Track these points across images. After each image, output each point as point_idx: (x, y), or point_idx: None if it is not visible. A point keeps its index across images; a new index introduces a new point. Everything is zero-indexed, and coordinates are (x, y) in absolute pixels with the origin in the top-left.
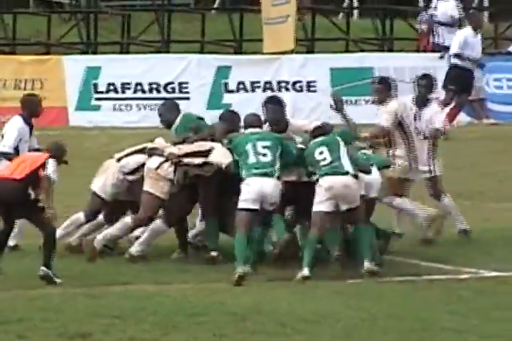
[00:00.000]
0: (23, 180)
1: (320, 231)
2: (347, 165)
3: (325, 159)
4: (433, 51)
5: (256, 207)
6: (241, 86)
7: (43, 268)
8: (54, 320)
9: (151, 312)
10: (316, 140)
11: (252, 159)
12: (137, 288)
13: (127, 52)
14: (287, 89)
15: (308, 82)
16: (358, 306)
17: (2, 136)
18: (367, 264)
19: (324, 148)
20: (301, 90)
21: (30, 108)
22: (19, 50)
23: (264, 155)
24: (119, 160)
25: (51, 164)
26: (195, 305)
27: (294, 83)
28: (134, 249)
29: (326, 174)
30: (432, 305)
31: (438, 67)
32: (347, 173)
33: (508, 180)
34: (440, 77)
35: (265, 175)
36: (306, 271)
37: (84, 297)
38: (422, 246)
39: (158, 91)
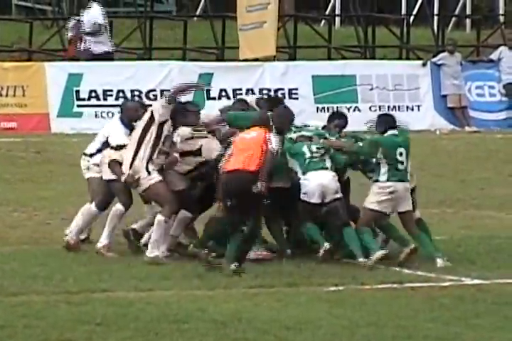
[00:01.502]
0: (255, 173)
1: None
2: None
3: (403, 163)
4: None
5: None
6: (223, 93)
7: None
8: (36, 327)
9: (133, 319)
10: (395, 138)
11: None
12: (119, 295)
13: (110, 59)
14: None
15: (290, 90)
16: (340, 313)
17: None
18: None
19: (403, 150)
20: (283, 97)
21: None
22: (1, 56)
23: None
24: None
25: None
26: (177, 312)
27: (276, 90)
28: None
29: (396, 180)
30: (414, 313)
31: (420, 74)
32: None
33: (489, 187)
34: (423, 85)
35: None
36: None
37: (66, 304)
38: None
39: (140, 99)
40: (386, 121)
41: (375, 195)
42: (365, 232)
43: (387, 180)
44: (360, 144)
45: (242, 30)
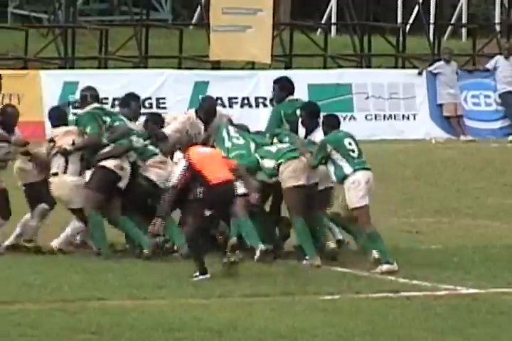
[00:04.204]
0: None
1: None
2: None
3: (354, 151)
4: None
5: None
6: (219, 101)
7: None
8: (31, 336)
9: (128, 327)
10: (337, 132)
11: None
12: (114, 304)
13: (105, 68)
14: (265, 105)
15: None
16: (335, 322)
17: None
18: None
19: (351, 140)
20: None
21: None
22: None
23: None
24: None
25: None
26: (171, 320)
27: (272, 99)
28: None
29: (361, 168)
30: (409, 322)
31: (416, 83)
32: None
33: (485, 196)
34: (419, 94)
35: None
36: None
37: (61, 312)
38: (400, 263)
39: None
40: (329, 122)
41: (353, 190)
42: (377, 238)
43: (355, 171)
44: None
45: (215, 31)
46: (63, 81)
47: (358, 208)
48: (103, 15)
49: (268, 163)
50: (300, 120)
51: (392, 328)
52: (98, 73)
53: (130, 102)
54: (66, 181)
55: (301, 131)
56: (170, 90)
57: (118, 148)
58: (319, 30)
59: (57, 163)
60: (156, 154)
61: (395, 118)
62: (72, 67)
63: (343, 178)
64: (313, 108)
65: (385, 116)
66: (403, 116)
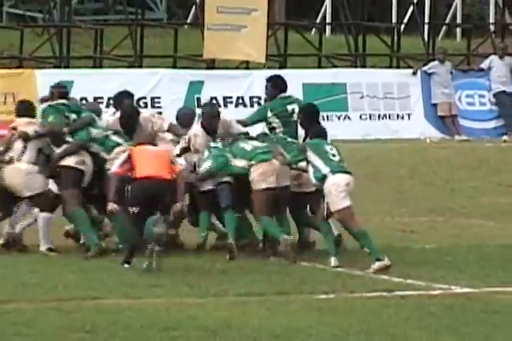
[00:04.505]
0: (172, 180)
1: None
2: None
3: (334, 155)
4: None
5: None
6: (213, 101)
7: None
8: (26, 335)
9: (123, 326)
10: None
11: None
12: (109, 303)
13: (100, 67)
14: (260, 104)
15: None
16: (330, 321)
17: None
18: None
19: (333, 147)
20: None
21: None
22: None
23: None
24: None
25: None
26: (167, 319)
27: (267, 99)
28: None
29: (339, 171)
30: (403, 321)
31: (411, 83)
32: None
33: (479, 196)
34: (413, 93)
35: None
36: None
37: (57, 311)
38: (394, 262)
39: None
40: (317, 131)
41: (334, 192)
42: (365, 237)
43: (334, 172)
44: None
45: (210, 30)
46: (58, 80)
47: (341, 210)
48: (98, 15)
49: (239, 162)
50: (299, 122)
51: (387, 327)
52: (93, 72)
53: (123, 100)
54: (19, 169)
55: (301, 132)
56: (165, 89)
57: (72, 145)
58: (314, 29)
59: (15, 150)
60: (120, 144)
61: (389, 117)
62: (67, 67)
63: (321, 179)
64: (312, 109)
65: (379, 115)
66: (398, 115)
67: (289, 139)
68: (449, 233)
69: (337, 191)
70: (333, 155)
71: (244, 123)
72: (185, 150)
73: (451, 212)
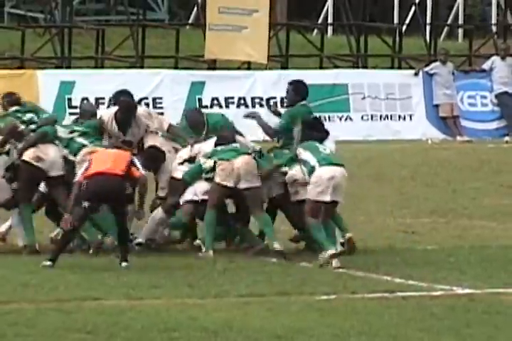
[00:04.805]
0: (124, 176)
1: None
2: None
3: (325, 149)
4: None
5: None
6: (215, 102)
7: (124, 263)
8: (26, 335)
9: (124, 327)
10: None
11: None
12: (110, 304)
13: (101, 67)
14: (261, 105)
15: (283, 98)
16: (331, 322)
17: None
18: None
19: (325, 147)
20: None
21: None
22: None
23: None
24: None
25: (138, 162)
26: (167, 320)
27: (268, 99)
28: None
29: (328, 163)
30: (405, 322)
31: (412, 84)
32: (343, 164)
33: (481, 197)
34: (415, 94)
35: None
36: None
37: (57, 312)
38: (396, 263)
39: None
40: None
41: (313, 185)
42: (318, 228)
43: (320, 165)
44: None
45: (212, 30)
46: (60, 81)
47: (312, 201)
48: (99, 15)
49: (209, 163)
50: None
51: (388, 328)
52: (94, 73)
53: (121, 104)
54: None
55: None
56: (166, 90)
57: (31, 137)
58: (316, 30)
59: None
60: (86, 146)
61: (391, 118)
62: (68, 67)
63: (311, 172)
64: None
65: (381, 116)
66: (399, 116)
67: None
68: (450, 234)
69: (316, 184)
70: (324, 149)
71: (272, 136)
72: (190, 159)
73: (453, 213)
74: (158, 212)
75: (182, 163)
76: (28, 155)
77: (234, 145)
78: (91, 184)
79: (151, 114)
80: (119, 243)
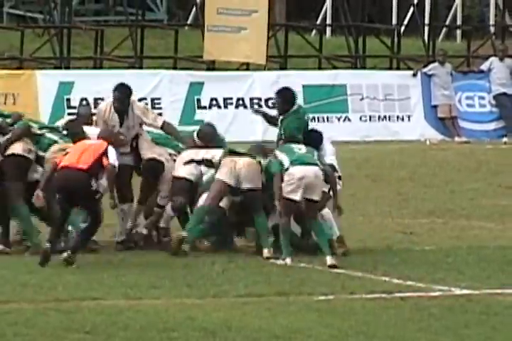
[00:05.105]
0: (88, 170)
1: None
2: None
3: (300, 149)
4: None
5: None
6: (214, 102)
7: (68, 252)
8: (25, 335)
9: (123, 327)
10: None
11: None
12: (109, 304)
13: (100, 68)
14: (260, 106)
15: None
16: (329, 323)
17: None
18: (328, 258)
19: (302, 146)
20: (274, 107)
21: None
22: None
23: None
24: None
25: (113, 152)
26: (166, 320)
27: (267, 100)
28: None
29: (300, 163)
30: (403, 323)
31: (411, 84)
32: (317, 164)
33: (479, 198)
34: (413, 95)
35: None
36: (288, 261)
37: (56, 312)
38: (394, 264)
39: None
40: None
41: (285, 183)
42: (285, 232)
43: (292, 164)
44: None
45: (210, 31)
46: (59, 81)
47: (286, 199)
48: (98, 16)
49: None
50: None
51: (386, 329)
52: (93, 73)
53: (116, 91)
54: None
55: None
56: (165, 90)
57: (15, 130)
58: (314, 31)
59: None
60: (56, 142)
61: (389, 119)
62: (67, 67)
63: (280, 171)
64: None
65: (379, 117)
66: (398, 117)
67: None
68: (448, 235)
69: (288, 183)
70: (299, 149)
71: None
72: (202, 161)
73: (451, 213)
74: (167, 210)
75: (188, 163)
76: (19, 149)
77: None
78: (57, 177)
79: (147, 109)
80: (79, 233)
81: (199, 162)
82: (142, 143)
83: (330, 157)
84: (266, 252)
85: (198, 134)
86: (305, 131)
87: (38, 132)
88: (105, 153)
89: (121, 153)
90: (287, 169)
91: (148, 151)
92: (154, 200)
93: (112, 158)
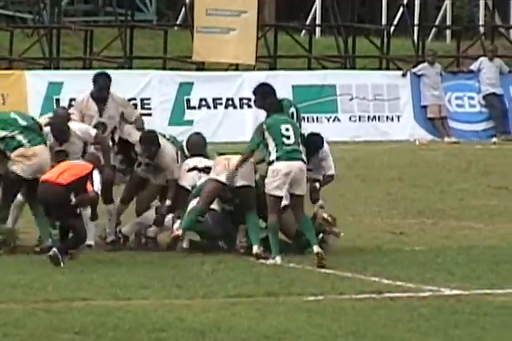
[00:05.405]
0: (67, 186)
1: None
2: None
3: (289, 138)
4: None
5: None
6: (203, 102)
7: (55, 249)
8: (15, 335)
9: (112, 327)
10: (278, 116)
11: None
12: (98, 304)
13: (90, 68)
14: (249, 106)
15: None
16: (319, 323)
17: None
18: (315, 248)
19: (290, 127)
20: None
21: None
22: None
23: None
24: None
25: (97, 178)
26: (155, 320)
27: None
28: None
29: (287, 158)
30: (393, 323)
31: (400, 85)
32: (302, 159)
33: (468, 198)
34: (403, 95)
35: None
36: (278, 259)
37: (45, 312)
38: (384, 264)
39: None
40: (272, 105)
41: (271, 179)
42: (273, 232)
43: (278, 159)
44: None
45: (199, 33)
46: (48, 81)
47: (271, 195)
48: (88, 16)
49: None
50: (256, 104)
51: (376, 329)
52: (83, 74)
53: (98, 79)
54: None
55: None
56: (154, 91)
57: None
58: (304, 31)
59: None
60: (23, 145)
61: (379, 119)
62: (56, 68)
63: (269, 163)
64: (264, 88)
65: (369, 117)
66: (387, 117)
67: None
68: (438, 235)
69: (274, 179)
70: (288, 138)
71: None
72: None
73: (441, 213)
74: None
75: (191, 170)
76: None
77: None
78: (38, 190)
79: (127, 102)
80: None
81: (201, 170)
82: (167, 161)
83: (330, 162)
84: (255, 248)
85: (187, 144)
86: (303, 135)
87: (9, 135)
88: (89, 177)
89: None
90: (272, 162)
91: (182, 179)
92: (147, 200)
93: (96, 185)
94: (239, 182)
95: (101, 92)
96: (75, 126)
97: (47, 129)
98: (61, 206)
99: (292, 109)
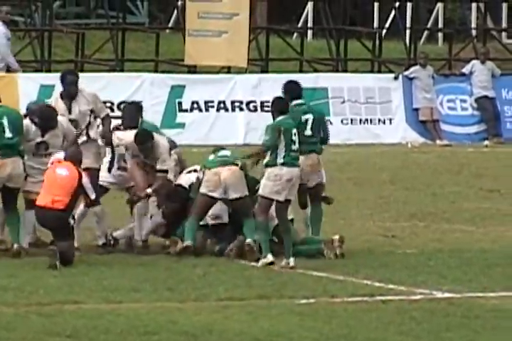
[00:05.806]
0: (66, 210)
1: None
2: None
3: (294, 143)
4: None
5: None
6: (195, 105)
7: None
8: (6, 339)
9: (104, 330)
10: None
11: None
12: (90, 307)
13: (81, 71)
14: (241, 109)
15: (262, 102)
16: (311, 326)
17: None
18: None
19: (296, 131)
20: (255, 110)
21: None
22: None
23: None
24: None
25: (88, 184)
26: (147, 324)
27: (248, 103)
28: None
29: (290, 165)
30: (384, 326)
31: (392, 87)
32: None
33: (460, 201)
34: (395, 98)
35: None
36: (270, 257)
37: (37, 315)
38: (376, 267)
39: (112, 110)
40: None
41: (271, 182)
42: (264, 230)
43: (283, 165)
44: (266, 138)
45: (191, 36)
46: (40, 84)
47: (266, 198)
48: (79, 19)
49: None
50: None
51: (368, 332)
52: None
53: (64, 77)
54: None
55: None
56: (146, 93)
57: None
58: (295, 34)
59: None
60: None
61: (371, 122)
62: (48, 70)
63: (271, 165)
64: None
65: (361, 120)
66: (379, 120)
67: None
68: (430, 238)
69: (275, 183)
70: (294, 143)
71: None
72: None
73: (433, 216)
74: (157, 217)
75: (190, 172)
76: None
77: (224, 153)
78: (36, 215)
79: (98, 98)
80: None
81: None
82: (161, 151)
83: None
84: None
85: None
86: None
87: None
88: (80, 187)
89: (80, 144)
90: (275, 165)
91: (180, 179)
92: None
93: (90, 192)
94: (232, 195)
95: (69, 89)
96: (62, 118)
97: (26, 121)
98: (60, 229)
99: (308, 116)
